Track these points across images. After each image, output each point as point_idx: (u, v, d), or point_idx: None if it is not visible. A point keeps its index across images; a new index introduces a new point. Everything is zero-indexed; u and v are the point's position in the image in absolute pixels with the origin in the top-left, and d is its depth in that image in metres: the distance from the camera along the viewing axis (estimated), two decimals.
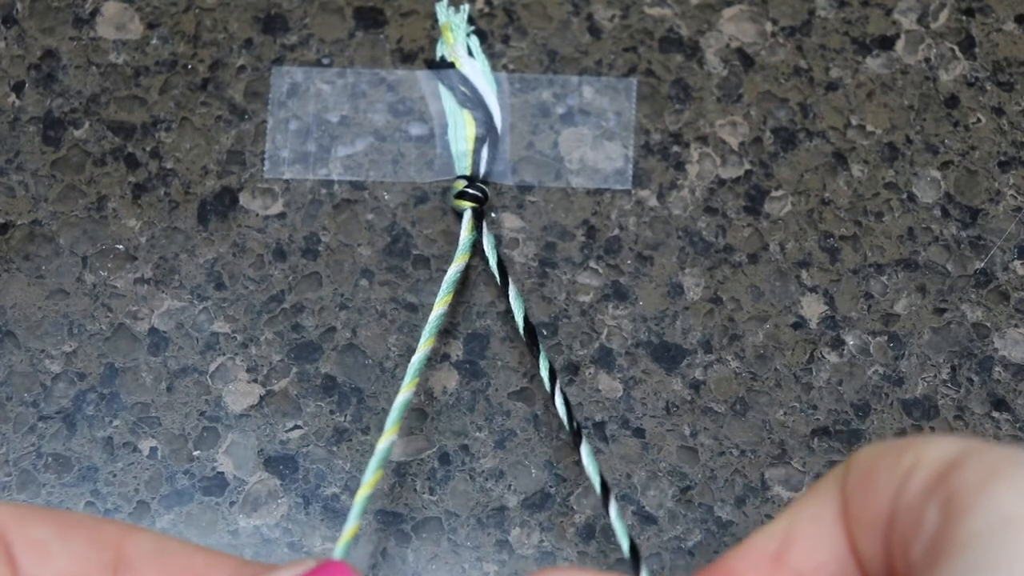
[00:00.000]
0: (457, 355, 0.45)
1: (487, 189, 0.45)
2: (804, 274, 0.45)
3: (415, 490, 0.43)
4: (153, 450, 0.44)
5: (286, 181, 0.46)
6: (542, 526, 0.43)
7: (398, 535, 0.43)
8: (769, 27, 0.48)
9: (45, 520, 0.30)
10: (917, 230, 0.46)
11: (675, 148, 0.47)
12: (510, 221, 0.46)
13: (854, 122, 0.47)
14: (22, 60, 0.48)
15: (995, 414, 0.44)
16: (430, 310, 0.43)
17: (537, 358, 0.42)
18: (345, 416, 0.44)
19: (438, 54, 0.47)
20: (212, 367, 0.45)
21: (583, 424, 0.44)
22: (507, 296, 0.43)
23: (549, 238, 0.46)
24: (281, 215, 0.46)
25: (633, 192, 0.46)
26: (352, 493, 0.43)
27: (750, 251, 0.46)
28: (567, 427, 0.41)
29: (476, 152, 0.46)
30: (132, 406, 0.44)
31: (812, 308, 0.45)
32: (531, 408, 0.44)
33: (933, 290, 0.45)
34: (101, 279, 0.45)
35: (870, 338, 0.45)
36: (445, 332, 0.45)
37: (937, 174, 0.46)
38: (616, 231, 0.46)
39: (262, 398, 0.44)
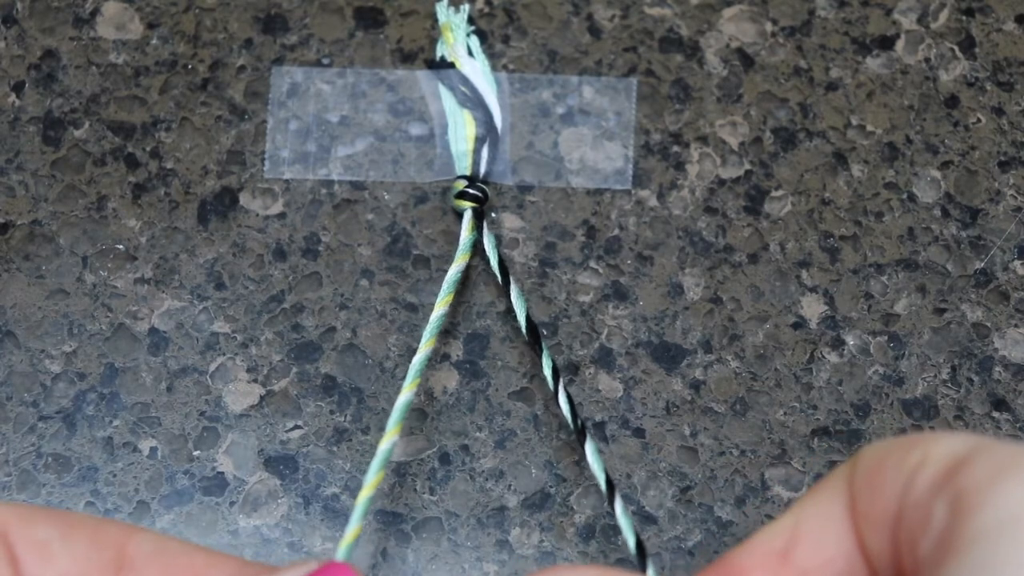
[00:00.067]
0: (457, 355, 0.45)
1: (487, 189, 0.45)
2: (804, 274, 0.45)
3: (415, 490, 0.43)
4: (153, 450, 0.44)
5: (286, 181, 0.46)
6: (542, 526, 0.43)
7: (398, 535, 0.43)
8: (769, 27, 0.48)
9: (47, 520, 0.30)
10: (917, 230, 0.46)
11: (675, 148, 0.47)
12: (510, 221, 0.46)
13: (854, 122, 0.47)
14: (22, 60, 0.47)
15: (995, 414, 0.44)
16: (430, 310, 0.43)
17: (540, 357, 0.42)
18: (345, 416, 0.44)
19: (438, 54, 0.47)
20: (212, 367, 0.45)
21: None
22: (508, 296, 0.43)
23: (549, 238, 0.46)
24: (281, 215, 0.46)
25: (633, 192, 0.46)
26: (352, 493, 0.43)
27: (750, 251, 0.46)
28: (571, 425, 0.41)
29: (476, 152, 0.46)
30: (132, 406, 0.44)
31: (812, 308, 0.45)
32: (531, 408, 0.44)
33: (933, 290, 0.45)
34: (101, 279, 0.45)
35: (870, 338, 0.45)
36: (445, 332, 0.45)
37: (937, 174, 0.47)
38: (616, 231, 0.46)
39: (262, 398, 0.44)
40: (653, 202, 0.46)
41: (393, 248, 0.46)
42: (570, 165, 0.47)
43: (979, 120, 0.47)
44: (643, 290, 0.45)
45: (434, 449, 0.44)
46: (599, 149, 0.47)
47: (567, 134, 0.47)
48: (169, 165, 0.46)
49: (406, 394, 0.40)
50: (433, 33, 0.48)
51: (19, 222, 0.46)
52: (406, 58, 0.48)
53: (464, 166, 0.46)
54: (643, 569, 0.37)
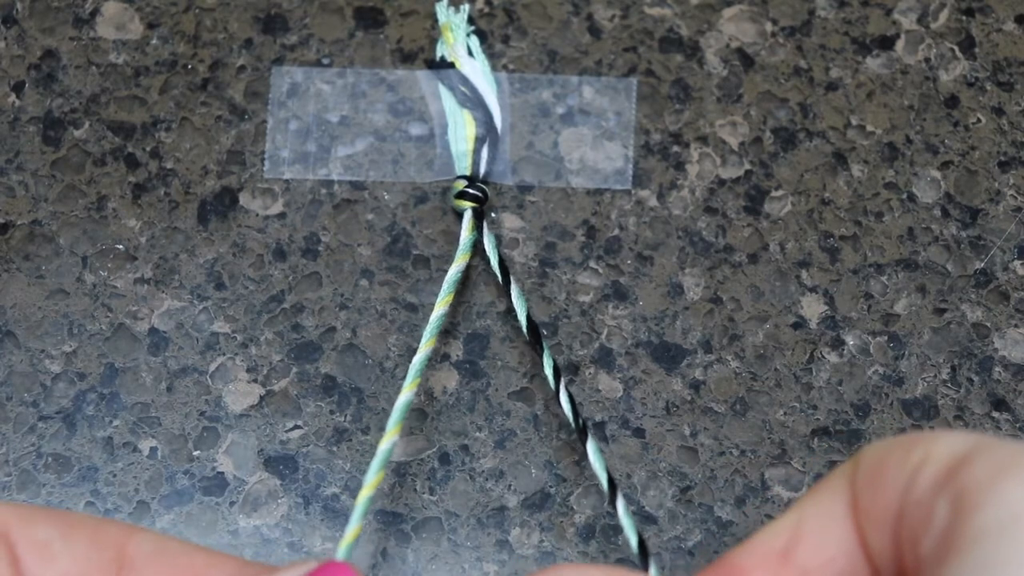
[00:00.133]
0: (457, 355, 0.45)
1: (487, 189, 0.45)
2: (804, 274, 0.45)
3: (415, 490, 0.43)
4: (153, 450, 0.44)
5: (286, 181, 0.46)
6: (542, 526, 0.43)
7: (398, 535, 0.43)
8: (769, 27, 0.48)
9: (48, 520, 0.30)
10: (917, 230, 0.46)
11: (675, 148, 0.47)
12: (510, 221, 0.46)
13: (854, 122, 0.47)
14: (22, 60, 0.47)
15: (995, 414, 0.44)
16: (430, 310, 0.43)
17: (540, 357, 0.42)
18: (345, 416, 0.44)
19: (438, 54, 0.47)
20: (212, 367, 0.45)
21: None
22: (509, 295, 0.43)
23: (549, 238, 0.46)
24: (281, 215, 0.46)
25: (633, 192, 0.46)
26: (352, 493, 0.43)
27: (750, 251, 0.46)
28: (573, 424, 0.41)
29: (476, 152, 0.46)
30: (132, 406, 0.44)
31: (812, 308, 0.45)
32: (531, 408, 0.44)
33: (933, 290, 0.45)
34: (101, 279, 0.45)
35: (870, 338, 0.45)
36: (445, 332, 0.45)
37: (937, 174, 0.47)
38: (616, 231, 0.46)
39: (262, 398, 0.44)
40: (653, 202, 0.46)
41: (393, 248, 0.46)
42: (570, 165, 0.47)
43: (979, 120, 0.47)
44: (643, 290, 0.45)
45: (434, 449, 0.44)
46: (599, 149, 0.47)
47: (567, 134, 0.47)
48: (169, 165, 0.46)
49: (406, 394, 0.40)
50: (433, 33, 0.48)
51: (19, 222, 0.46)
52: (406, 58, 0.48)
53: (464, 166, 0.46)
54: (645, 568, 0.37)
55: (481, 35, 0.48)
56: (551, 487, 0.43)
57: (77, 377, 0.44)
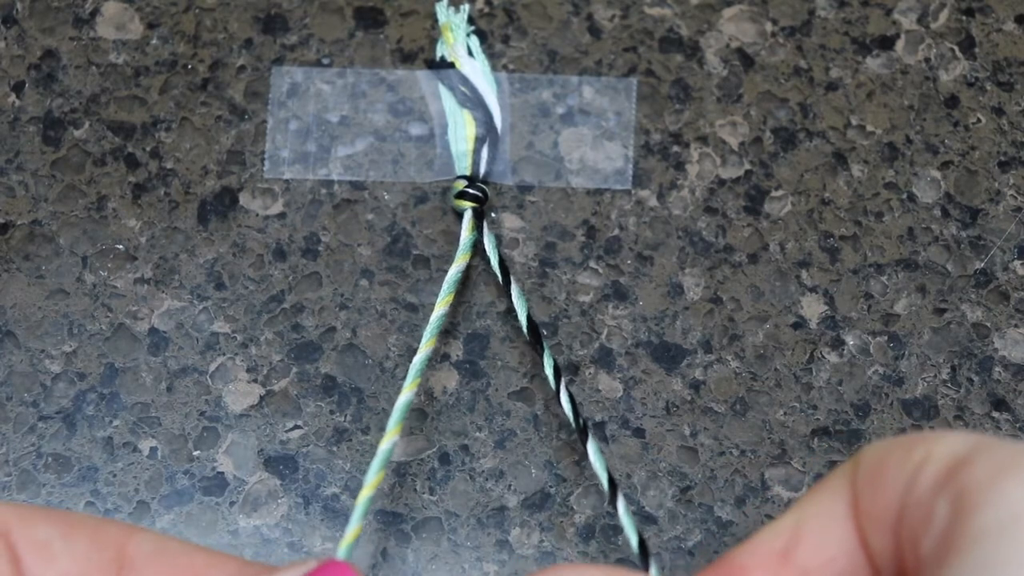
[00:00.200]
0: (457, 355, 0.45)
1: (487, 189, 0.45)
2: (804, 274, 0.45)
3: (415, 490, 0.43)
4: (153, 450, 0.44)
5: (286, 181, 0.46)
6: (542, 526, 0.43)
7: (398, 535, 0.43)
8: (769, 27, 0.48)
9: (48, 520, 0.30)
10: (917, 230, 0.46)
11: (675, 148, 0.47)
12: (510, 221, 0.46)
13: (854, 122, 0.47)
14: (22, 60, 0.47)
15: (995, 414, 0.44)
16: (430, 310, 0.43)
17: (540, 357, 0.42)
18: (345, 416, 0.44)
19: (438, 54, 0.47)
20: (212, 367, 0.45)
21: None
22: (509, 296, 0.43)
23: (549, 238, 0.46)
24: (281, 215, 0.46)
25: (633, 192, 0.46)
26: (352, 493, 0.43)
27: (750, 251, 0.46)
28: (573, 424, 0.41)
29: (476, 152, 0.46)
30: (132, 406, 0.44)
31: (812, 308, 0.45)
32: (531, 408, 0.44)
33: (933, 290, 0.45)
34: (101, 279, 0.45)
35: (870, 338, 0.45)
36: (445, 332, 0.45)
37: (937, 174, 0.47)
38: (616, 231, 0.46)
39: (262, 398, 0.44)
40: (653, 202, 0.46)
41: (393, 248, 0.46)
42: (570, 165, 0.47)
43: (979, 120, 0.47)
44: (643, 290, 0.45)
45: (434, 449, 0.44)
46: (599, 149, 0.47)
47: (567, 134, 0.47)
48: (169, 165, 0.46)
49: (406, 394, 0.40)
50: (433, 33, 0.48)
51: (19, 222, 0.46)
52: (406, 58, 0.48)
53: (464, 166, 0.46)
54: (646, 568, 0.37)
55: (481, 35, 0.48)
56: (551, 487, 0.43)
57: (77, 377, 0.44)
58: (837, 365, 0.45)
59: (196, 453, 0.44)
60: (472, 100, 0.47)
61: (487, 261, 0.44)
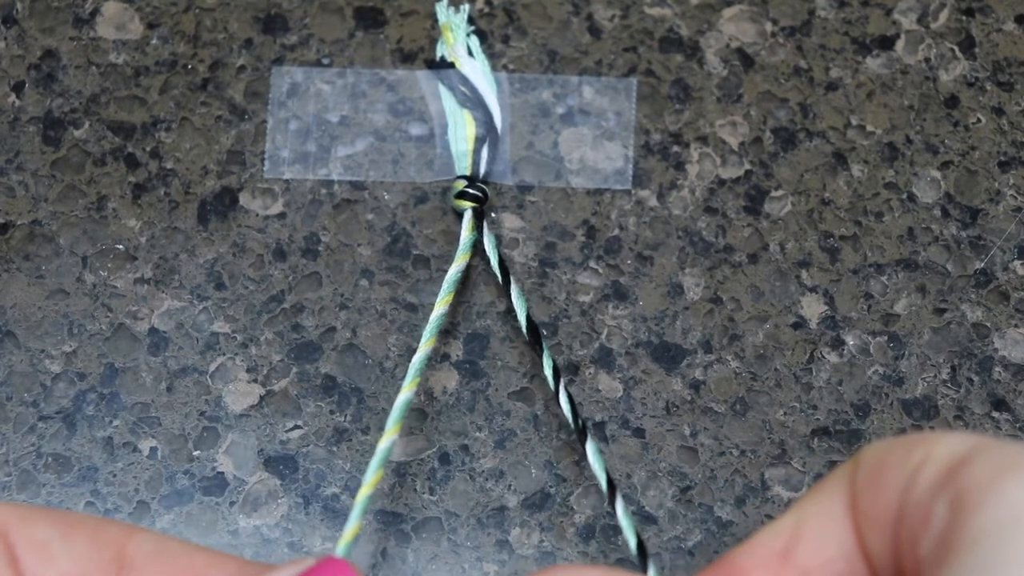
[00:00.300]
0: (457, 355, 0.45)
1: (487, 189, 0.45)
2: (804, 274, 0.45)
3: (415, 490, 0.43)
4: (153, 450, 0.44)
5: (286, 181, 0.46)
6: (542, 526, 0.43)
7: (398, 535, 0.43)
8: (769, 27, 0.48)
9: (47, 520, 0.30)
10: (917, 230, 0.46)
11: (675, 148, 0.47)
12: (510, 221, 0.46)
13: (854, 122, 0.47)
14: (22, 60, 0.47)
15: (995, 414, 0.44)
16: (430, 310, 0.43)
17: (540, 357, 0.42)
18: (345, 416, 0.44)
19: (438, 54, 0.47)
20: (212, 367, 0.45)
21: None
22: (509, 296, 0.43)
23: (549, 238, 0.46)
24: (281, 215, 0.46)
25: (633, 192, 0.46)
26: (352, 493, 0.43)
27: (750, 251, 0.46)
28: (572, 425, 0.41)
29: (476, 152, 0.46)
30: (132, 406, 0.44)
31: (812, 308, 0.45)
32: (531, 408, 0.44)
33: (933, 290, 0.45)
34: (101, 279, 0.45)
35: (870, 338, 0.45)
36: (445, 332, 0.45)
37: (937, 174, 0.47)
38: (616, 231, 0.46)
39: (262, 398, 0.44)
40: (653, 202, 0.46)
41: (393, 248, 0.46)
42: (570, 165, 0.47)
43: (979, 120, 0.47)
44: (643, 290, 0.45)
45: (434, 449, 0.44)
46: (599, 149, 0.47)
47: (567, 134, 0.47)
48: (169, 165, 0.46)
49: (406, 393, 0.40)
50: (433, 33, 0.48)
51: (19, 222, 0.46)
52: (406, 58, 0.48)
53: (464, 166, 0.46)
54: (644, 569, 0.37)
55: (481, 35, 0.48)
56: (551, 487, 0.43)
57: (77, 377, 0.44)
58: (837, 365, 0.45)
59: (196, 453, 0.44)
60: (472, 100, 0.47)
61: (487, 261, 0.44)
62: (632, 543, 0.38)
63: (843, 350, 0.45)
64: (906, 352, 0.45)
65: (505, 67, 0.48)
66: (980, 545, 0.25)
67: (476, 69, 0.47)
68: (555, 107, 0.47)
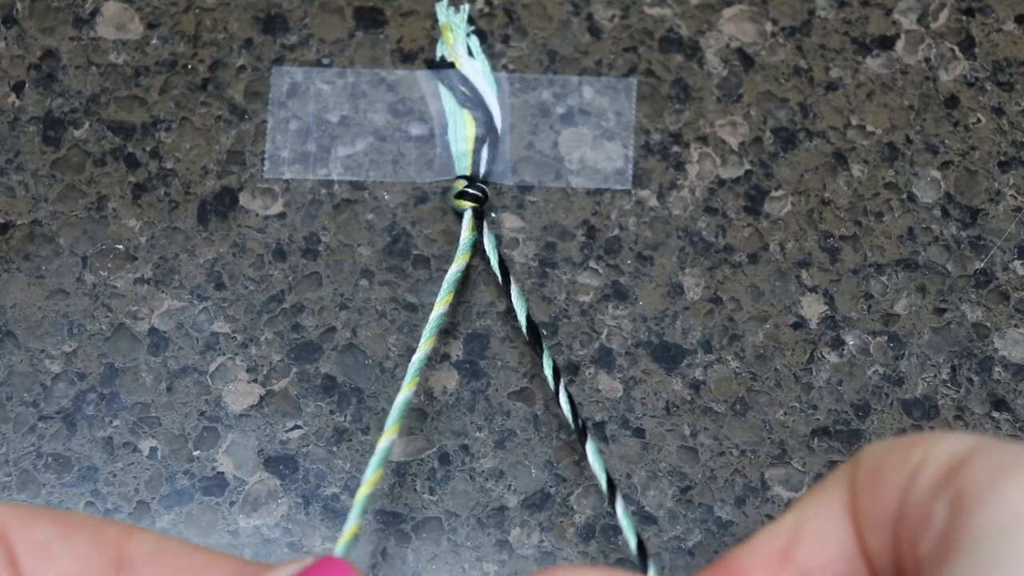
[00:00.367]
0: (457, 355, 0.45)
1: (487, 189, 0.45)
2: (804, 274, 0.45)
3: (415, 490, 0.43)
4: (153, 450, 0.44)
5: (286, 181, 0.46)
6: (542, 526, 0.43)
7: (398, 535, 0.43)
8: (769, 27, 0.48)
9: (47, 520, 0.30)
10: (917, 230, 0.46)
11: (675, 148, 0.47)
12: (510, 221, 0.46)
13: (854, 122, 0.47)
14: (22, 60, 0.47)
15: (995, 414, 0.44)
16: (430, 310, 0.43)
17: (540, 357, 0.42)
18: (345, 416, 0.44)
19: (438, 54, 0.47)
20: (212, 367, 0.45)
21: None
22: (508, 296, 0.43)
23: (549, 238, 0.46)
24: (281, 215, 0.46)
25: (633, 192, 0.46)
26: (352, 493, 0.43)
27: (750, 251, 0.46)
28: (572, 425, 0.41)
29: (476, 152, 0.46)
30: (132, 406, 0.44)
31: (812, 308, 0.45)
32: (531, 408, 0.44)
33: (933, 290, 0.45)
34: (101, 279, 0.45)
35: (870, 338, 0.45)
36: (445, 332, 0.45)
37: (937, 174, 0.47)
38: (616, 231, 0.46)
39: (262, 398, 0.44)
40: (653, 202, 0.46)
41: (393, 248, 0.46)
42: (570, 165, 0.47)
43: (979, 120, 0.47)
44: (643, 290, 0.45)
45: (434, 449, 0.44)
46: (599, 149, 0.47)
47: (567, 134, 0.47)
48: (169, 165, 0.46)
49: (405, 392, 0.40)
50: (433, 33, 0.48)
51: (19, 222, 0.46)
52: (406, 58, 0.48)
53: (464, 166, 0.46)
54: (644, 569, 0.37)
55: (481, 35, 0.48)
56: (551, 487, 0.43)
57: (77, 377, 0.44)
58: (837, 365, 0.45)
59: (196, 453, 0.44)
60: (472, 100, 0.47)
61: (487, 261, 0.44)
62: (632, 543, 0.38)
63: (843, 350, 0.45)
64: (906, 352, 0.45)
65: (505, 67, 0.48)
66: (980, 545, 0.25)
67: (476, 69, 0.47)
68: (555, 107, 0.47)
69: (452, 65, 0.47)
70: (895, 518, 0.27)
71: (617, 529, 0.43)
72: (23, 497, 0.43)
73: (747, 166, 0.46)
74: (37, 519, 0.30)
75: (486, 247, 0.44)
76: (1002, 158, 0.47)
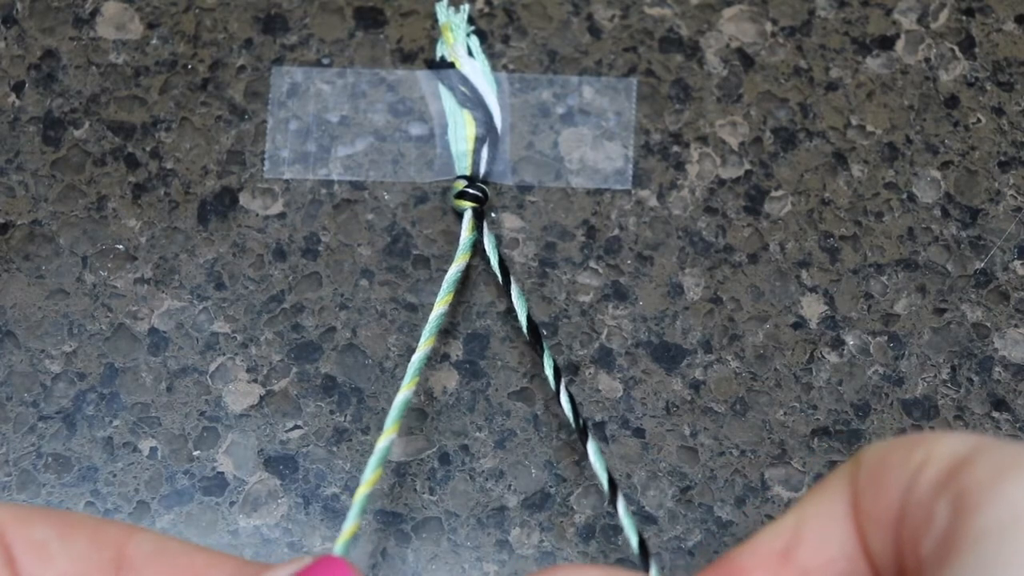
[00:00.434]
0: (457, 355, 0.45)
1: (487, 189, 0.45)
2: (804, 274, 0.45)
3: (415, 490, 0.43)
4: (153, 450, 0.44)
5: (286, 181, 0.46)
6: (542, 526, 0.43)
7: (398, 535, 0.43)
8: (769, 27, 0.48)
9: (45, 521, 0.30)
10: (917, 230, 0.46)
11: (675, 148, 0.47)
12: (510, 221, 0.46)
13: (854, 122, 0.47)
14: (22, 60, 0.47)
15: (995, 414, 0.44)
16: (430, 310, 0.43)
17: (540, 357, 0.42)
18: (345, 416, 0.44)
19: (438, 54, 0.47)
20: (212, 367, 0.45)
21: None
22: (509, 296, 0.43)
23: (549, 238, 0.46)
24: (281, 215, 0.46)
25: (633, 192, 0.46)
26: (352, 493, 0.43)
27: (750, 251, 0.46)
28: (573, 424, 0.41)
29: (476, 152, 0.46)
30: (132, 406, 0.44)
31: (812, 308, 0.45)
32: (531, 408, 0.44)
33: (933, 290, 0.45)
34: (101, 279, 0.45)
35: (870, 338, 0.45)
36: (445, 332, 0.45)
37: (937, 174, 0.47)
38: (616, 231, 0.46)
39: (262, 398, 0.44)
40: (653, 202, 0.46)
41: (393, 248, 0.46)
42: (570, 165, 0.47)
43: (979, 120, 0.47)
44: (643, 290, 0.45)
45: (434, 449, 0.44)
46: (599, 149, 0.47)
47: (567, 134, 0.47)
48: (169, 165, 0.46)
49: (405, 392, 0.40)
50: (433, 33, 0.48)
51: (19, 222, 0.46)
52: (406, 58, 0.48)
53: (464, 166, 0.46)
54: (646, 569, 0.37)
55: (481, 35, 0.48)
56: (551, 487, 0.43)
57: (77, 377, 0.44)
58: (837, 365, 0.45)
59: (196, 453, 0.44)
60: (472, 100, 0.47)
61: (487, 261, 0.44)
62: (634, 542, 0.38)
63: (843, 350, 0.45)
64: (906, 352, 0.45)
65: (505, 67, 0.47)
66: (981, 545, 0.25)
67: (476, 69, 0.47)
68: (555, 107, 0.47)
69: (452, 65, 0.47)
70: (896, 518, 0.27)
71: (617, 529, 0.43)
72: (23, 497, 0.43)
73: (747, 166, 0.46)
74: (36, 519, 0.30)
75: (486, 247, 0.44)
76: (1002, 158, 0.47)
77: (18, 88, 0.47)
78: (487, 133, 0.46)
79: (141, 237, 0.46)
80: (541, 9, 0.48)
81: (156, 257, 0.45)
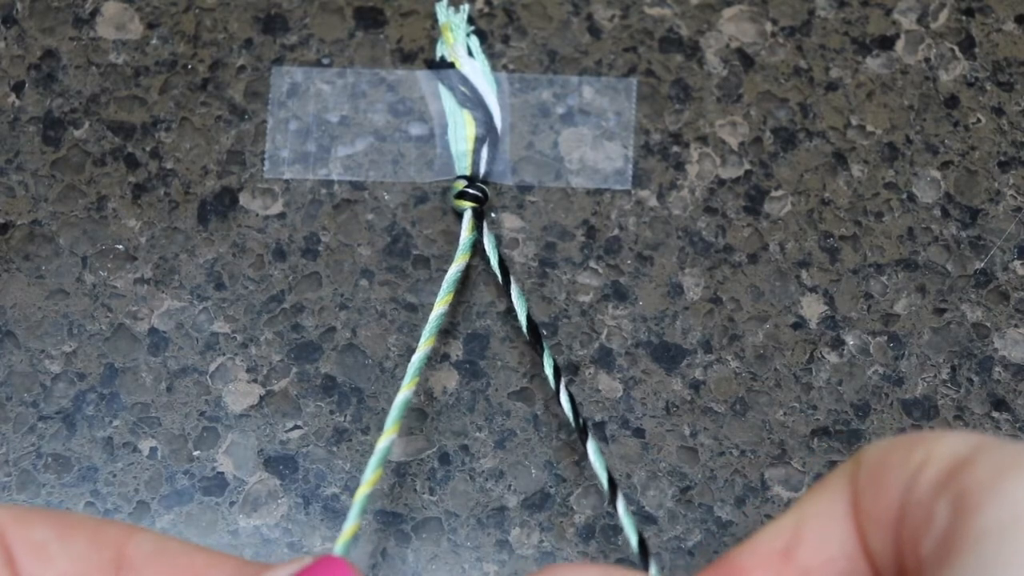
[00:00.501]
0: (457, 355, 0.45)
1: (487, 189, 0.45)
2: (804, 274, 0.45)
3: (415, 490, 0.43)
4: (153, 450, 0.44)
5: (286, 181, 0.46)
6: (542, 526, 0.43)
7: (398, 535, 0.43)
8: (769, 27, 0.48)
9: (45, 521, 0.30)
10: (917, 230, 0.46)
11: (675, 148, 0.47)
12: (510, 221, 0.46)
13: (854, 122, 0.47)
14: (22, 60, 0.47)
15: (995, 414, 0.44)
16: (430, 310, 0.43)
17: (540, 357, 0.42)
18: (345, 416, 0.44)
19: (438, 54, 0.47)
20: (212, 367, 0.45)
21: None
22: (509, 296, 0.43)
23: (549, 238, 0.46)
24: (281, 215, 0.46)
25: (633, 192, 0.46)
26: (352, 493, 0.43)
27: (750, 251, 0.46)
28: (573, 424, 0.41)
29: (476, 152, 0.46)
30: (132, 406, 0.44)
31: (812, 308, 0.45)
32: (531, 408, 0.44)
33: (933, 290, 0.45)
34: (101, 279, 0.45)
35: (870, 338, 0.45)
36: (445, 332, 0.45)
37: (937, 174, 0.47)
38: (616, 231, 0.46)
39: (262, 398, 0.44)
40: (653, 202, 0.46)
41: (393, 248, 0.46)
42: (570, 165, 0.47)
43: (979, 120, 0.47)
44: (643, 290, 0.45)
45: (434, 449, 0.44)
46: (599, 149, 0.47)
47: (567, 134, 0.47)
48: (169, 165, 0.46)
49: (405, 392, 0.40)
50: (433, 33, 0.48)
51: (19, 222, 0.46)
52: (406, 58, 0.48)
53: (464, 166, 0.46)
54: (645, 568, 0.37)
55: (481, 35, 0.48)
56: (551, 487, 0.43)
57: (77, 377, 0.44)
58: (837, 365, 0.45)
59: (196, 453, 0.44)
60: (472, 100, 0.47)
61: (487, 261, 0.44)
62: (633, 542, 0.38)
63: (843, 350, 0.45)
64: (906, 352, 0.45)
65: (505, 67, 0.47)
66: (982, 545, 0.25)
67: (476, 69, 0.47)
68: (555, 107, 0.47)
69: (452, 65, 0.47)
70: (897, 517, 0.27)
71: (617, 529, 0.43)
72: (23, 497, 0.43)
73: (747, 166, 0.46)
74: (35, 520, 0.30)
75: (486, 247, 0.44)
76: (1002, 158, 0.47)
77: (18, 88, 0.47)
78: (487, 133, 0.46)
79: (141, 237, 0.46)
80: (541, 9, 0.48)
81: (156, 257, 0.45)
